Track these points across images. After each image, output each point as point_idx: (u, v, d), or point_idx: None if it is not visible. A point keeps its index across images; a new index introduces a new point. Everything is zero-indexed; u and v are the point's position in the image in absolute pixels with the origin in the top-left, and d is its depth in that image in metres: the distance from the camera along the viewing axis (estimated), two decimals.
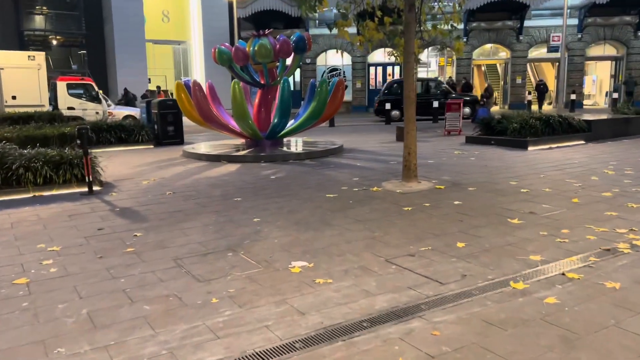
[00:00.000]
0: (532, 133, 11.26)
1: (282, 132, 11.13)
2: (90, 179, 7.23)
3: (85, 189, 7.29)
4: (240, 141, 12.12)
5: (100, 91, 22.34)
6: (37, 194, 7.18)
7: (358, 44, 8.60)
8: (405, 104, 7.36)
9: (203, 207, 6.28)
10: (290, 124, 11.28)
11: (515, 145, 11.16)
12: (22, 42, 24.12)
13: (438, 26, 8.06)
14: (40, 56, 15.47)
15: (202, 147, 11.75)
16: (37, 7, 25.71)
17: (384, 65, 28.16)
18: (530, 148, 10.91)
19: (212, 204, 6.47)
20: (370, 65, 28.11)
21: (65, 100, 16.02)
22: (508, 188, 7.03)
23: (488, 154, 10.46)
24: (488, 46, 27.97)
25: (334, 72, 28.38)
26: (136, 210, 6.23)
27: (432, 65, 29.90)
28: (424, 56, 27.92)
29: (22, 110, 14.02)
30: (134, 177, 8.58)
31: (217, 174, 8.79)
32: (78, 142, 7.11)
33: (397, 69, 27.97)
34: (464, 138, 13.05)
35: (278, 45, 10.67)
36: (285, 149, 11.17)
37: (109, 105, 19.75)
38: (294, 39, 10.91)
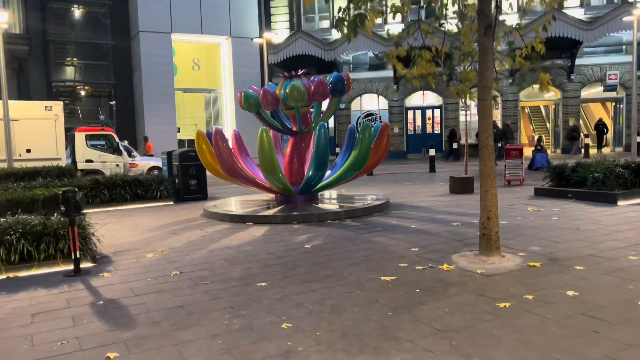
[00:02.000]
0: (621, 184, 9.27)
1: (318, 186, 9.49)
2: (77, 256, 5.67)
3: (72, 267, 5.73)
4: (270, 196, 10.54)
5: (127, 141, 21.52)
6: (11, 274, 5.67)
7: (403, 77, 7.01)
8: (482, 153, 5.62)
9: (214, 300, 4.58)
10: (327, 176, 9.65)
11: (601, 200, 9.17)
12: (50, 93, 23.72)
13: (514, 55, 6.39)
14: (57, 106, 14.54)
15: (226, 205, 10.20)
16: (67, 59, 25.47)
17: (423, 109, 26.61)
18: (620, 203, 8.92)
19: (228, 292, 4.78)
20: (408, 109, 26.61)
21: (83, 153, 14.93)
22: (631, 266, 5.11)
23: (571, 211, 8.51)
24: (536, 86, 26.14)
25: (370, 117, 26.98)
26: (125, 304, 4.58)
27: (472, 108, 28.17)
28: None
29: (37, 164, 12.91)
30: (138, 248, 7.00)
31: (239, 241, 7.14)
32: (62, 208, 5.61)
33: (436, 112, 26.39)
34: (530, 189, 11.14)
35: (313, 87, 9.20)
36: (320, 205, 9.50)
37: (133, 157, 18.72)
38: (331, 80, 9.43)
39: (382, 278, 5.03)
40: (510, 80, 24.55)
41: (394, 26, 25.93)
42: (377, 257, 5.92)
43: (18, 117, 13.84)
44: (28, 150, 14.07)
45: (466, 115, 13.72)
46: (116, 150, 15.37)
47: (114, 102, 25.56)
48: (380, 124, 9.77)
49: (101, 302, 4.67)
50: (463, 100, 10.17)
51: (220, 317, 4.15)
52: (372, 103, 27.17)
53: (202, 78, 28.10)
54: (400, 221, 8.21)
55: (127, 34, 25.96)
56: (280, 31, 27.20)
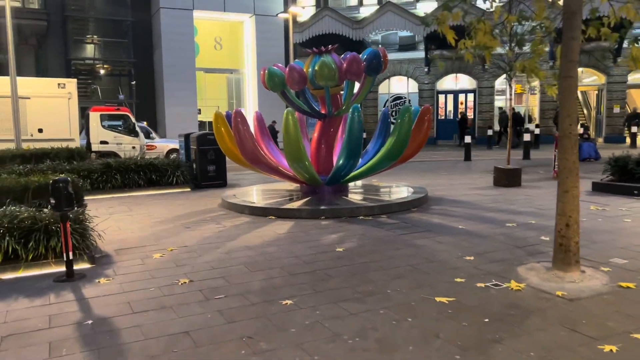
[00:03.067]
0: None
1: (348, 177, 8.48)
2: (70, 258, 4.80)
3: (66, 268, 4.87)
4: (294, 186, 9.58)
5: (146, 122, 20.76)
6: None
7: (463, 53, 5.91)
8: (564, 143, 4.53)
9: (229, 324, 3.65)
10: (359, 165, 8.61)
11: None
12: (69, 71, 23.03)
13: (599, 24, 5.23)
14: (71, 84, 13.74)
15: (246, 195, 9.27)
16: (87, 36, 24.71)
17: (455, 93, 25.22)
18: None
19: (245, 313, 3.84)
20: (439, 92, 25.24)
21: (98, 134, 14.15)
22: None
23: None
24: (579, 70, 24.49)
25: (399, 101, 25.71)
26: (118, 327, 3.67)
27: (507, 93, 26.54)
28: (498, 82, 24.86)
29: (49, 145, 12.17)
30: (146, 245, 6.11)
31: (260, 240, 6.19)
32: (52, 201, 4.72)
33: (470, 96, 24.97)
34: (586, 184, 9.94)
35: (345, 64, 8.14)
36: (350, 198, 8.49)
37: (152, 138, 17.94)
38: (365, 56, 8.34)
39: (438, 299, 4.02)
40: (551, 63, 22.96)
41: (426, 4, 24.51)
42: (425, 267, 4.90)
43: (29, 95, 13.09)
44: (40, 130, 13.34)
45: (510, 99, 12.43)
46: (133, 132, 14.55)
47: (134, 82, 24.81)
48: (419, 107, 8.67)
49: (89, 322, 3.77)
50: (529, 80, 8.96)
51: (235, 351, 3.22)
52: (401, 86, 25.86)
53: (224, 58, 27.13)
54: (444, 219, 7.16)
55: (149, 10, 25.08)
56: (306, 9, 25.99)
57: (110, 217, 7.92)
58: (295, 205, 7.86)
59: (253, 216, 7.73)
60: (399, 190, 9.20)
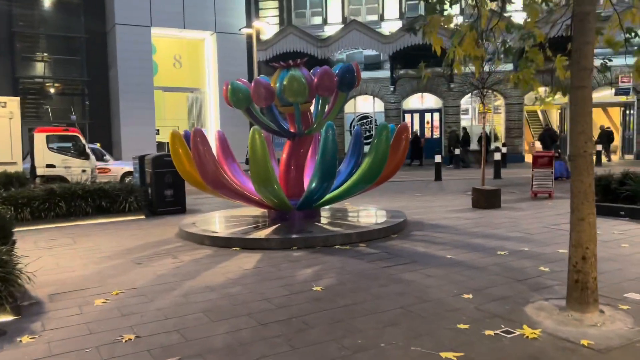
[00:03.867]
0: None
1: (321, 201, 7.74)
2: None
3: None
4: (261, 211, 8.76)
5: (99, 144, 19.53)
6: None
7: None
8: (578, 164, 3.92)
9: None
10: (332, 188, 7.88)
11: None
12: (17, 90, 21.57)
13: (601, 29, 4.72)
14: (13, 102, 12.56)
15: (207, 222, 8.39)
16: (36, 53, 23.32)
17: (421, 112, 25.02)
18: None
19: None
20: (405, 112, 24.98)
21: (43, 157, 12.95)
22: None
23: (637, 235, 6.89)
24: (541, 90, 24.70)
25: (365, 120, 25.30)
26: None
27: (469, 112, 26.50)
28: (464, 101, 24.82)
29: None
30: (86, 287, 5.16)
31: (223, 279, 5.34)
32: None
33: (435, 115, 24.81)
34: (567, 204, 9.53)
35: (316, 79, 7.47)
36: (324, 224, 7.75)
37: (106, 160, 16.76)
38: (338, 70, 7.69)
39: (443, 355, 3.29)
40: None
41: (391, 23, 24.36)
42: (419, 309, 4.18)
43: None
44: None
45: (484, 117, 12.05)
46: (83, 154, 13.41)
47: (88, 101, 23.54)
48: (394, 126, 8.05)
49: None
50: (524, 90, 8.48)
51: None
52: (367, 105, 25.48)
53: (184, 76, 26.17)
54: (429, 247, 6.48)
55: (103, 26, 23.92)
56: (269, 27, 25.44)
57: (50, 252, 6.90)
58: (263, 234, 7.05)
59: (215, 247, 6.86)
60: (375, 215, 8.52)
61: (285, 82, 7.36)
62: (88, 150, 13.49)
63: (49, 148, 13.13)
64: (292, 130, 8.19)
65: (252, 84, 7.56)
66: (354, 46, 23.57)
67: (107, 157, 17.19)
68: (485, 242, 6.67)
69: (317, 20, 25.95)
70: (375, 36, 22.88)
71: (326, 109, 8.11)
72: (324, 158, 6.85)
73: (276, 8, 25.76)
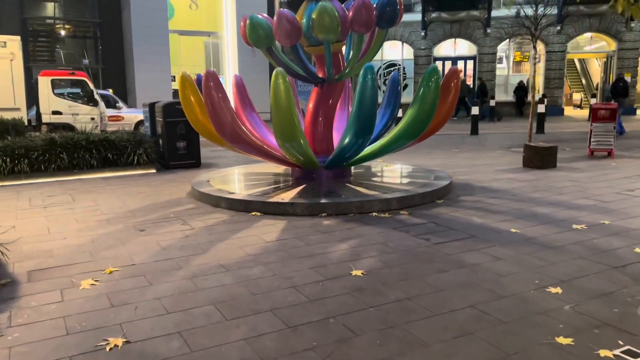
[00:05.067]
0: None
1: (354, 159, 6.65)
2: None
3: None
4: (283, 168, 7.74)
5: (111, 90, 18.54)
6: None
7: None
8: None
9: None
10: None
11: None
12: (25, 32, 20.40)
13: None
14: (13, 42, 11.49)
15: (224, 180, 7.41)
16: None
17: (454, 60, 23.29)
18: None
19: None
20: (436, 59, 23.27)
21: (49, 102, 11.98)
22: None
23: None
24: (587, 36, 22.74)
25: (392, 68, 23.70)
26: None
27: (503, 61, 24.63)
28: (501, 48, 23.00)
29: None
30: (75, 262, 4.25)
31: (240, 254, 4.37)
32: None
33: (469, 63, 23.10)
34: (635, 165, 8.32)
35: (351, 12, 6.22)
36: (356, 185, 6.70)
37: (119, 108, 15.81)
38: (377, 3, 6.41)
39: None
40: (559, 28, 21.16)
41: None
42: (496, 310, 3.16)
43: None
44: None
45: (535, 64, 10.66)
46: (91, 100, 12.40)
47: (100, 45, 22.36)
48: (435, 67, 6.74)
49: None
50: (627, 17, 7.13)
51: None
52: (395, 52, 23.78)
53: (200, 19, 24.65)
54: (486, 218, 5.41)
55: None
56: None
57: (43, 213, 6.02)
58: (287, 196, 6.03)
59: (231, 211, 5.89)
60: (414, 175, 7.42)
61: (314, 16, 6.14)
62: (97, 97, 12.48)
63: (55, 93, 12.15)
64: (320, 75, 7.03)
65: (275, 18, 6.34)
66: None
67: (120, 104, 16.23)
68: (554, 212, 5.57)
69: None
70: None
71: (361, 49, 6.90)
72: (361, 108, 5.70)
73: None
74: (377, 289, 3.53)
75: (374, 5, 6.35)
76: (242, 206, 5.90)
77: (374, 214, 5.60)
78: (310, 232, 4.96)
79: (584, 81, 29.78)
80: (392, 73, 8.28)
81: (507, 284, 3.58)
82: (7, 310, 3.33)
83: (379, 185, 6.72)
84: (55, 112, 12.04)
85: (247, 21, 6.54)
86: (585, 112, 24.55)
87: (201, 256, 4.34)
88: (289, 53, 7.72)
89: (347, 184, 6.76)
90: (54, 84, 12.14)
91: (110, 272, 3.97)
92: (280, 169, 7.83)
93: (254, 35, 6.49)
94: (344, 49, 7.11)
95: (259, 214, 5.72)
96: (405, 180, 7.06)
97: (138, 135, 9.27)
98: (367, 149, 6.66)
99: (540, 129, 14.37)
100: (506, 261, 4.04)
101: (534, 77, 11.33)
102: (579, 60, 29.51)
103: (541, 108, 14.45)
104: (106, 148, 8.64)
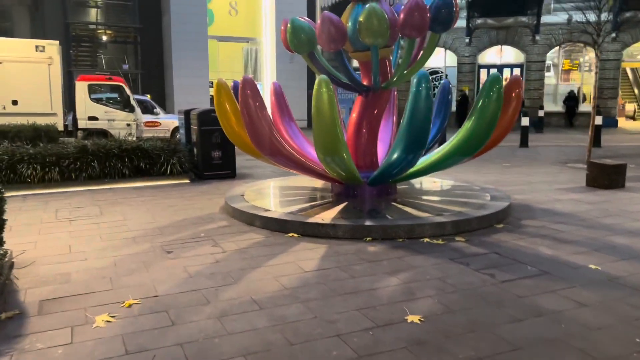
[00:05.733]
0: None
1: (402, 175, 6.04)
2: None
3: None
4: (322, 182, 7.21)
5: (149, 95, 18.49)
6: None
7: None
8: None
9: None
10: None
11: None
12: (68, 36, 20.72)
13: None
14: (52, 46, 11.40)
15: (259, 195, 6.93)
16: None
17: (499, 67, 22.34)
18: None
19: None
20: (481, 67, 22.39)
21: (85, 108, 11.84)
22: None
23: None
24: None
25: (434, 76, 22.94)
26: None
27: (551, 70, 23.43)
28: (549, 56, 21.93)
29: (28, 119, 9.97)
30: (93, 291, 3.80)
31: (275, 287, 3.83)
32: None
33: (516, 72, 22.09)
34: None
35: (403, 14, 5.63)
36: (403, 204, 6.08)
37: (156, 114, 15.66)
38: (431, 4, 5.81)
39: None
40: (614, 35, 19.97)
41: None
42: None
43: (1, 59, 10.82)
44: (14, 102, 11.11)
45: (596, 72, 9.82)
46: (127, 106, 12.20)
47: (140, 50, 22.45)
48: (497, 75, 6.06)
49: None
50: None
51: None
52: (437, 59, 22.99)
53: (240, 25, 24.55)
54: (556, 249, 4.70)
55: None
56: None
57: (68, 227, 5.65)
58: (328, 216, 5.47)
59: (267, 231, 5.38)
60: (468, 193, 6.74)
61: (361, 19, 5.59)
62: (133, 102, 12.28)
63: (92, 98, 12.00)
64: (365, 83, 6.47)
65: (319, 21, 5.80)
66: None
67: (158, 109, 16.09)
68: (636, 244, 4.82)
69: None
70: None
71: (412, 55, 6.30)
72: (413, 120, 5.10)
73: None
74: (439, 344, 2.92)
75: (428, 7, 5.75)
76: (278, 226, 5.38)
77: (426, 239, 4.98)
78: (355, 261, 4.39)
79: (636, 91, 28.25)
80: (443, 81, 7.64)
81: (601, 343, 2.91)
82: (9, 352, 2.88)
83: (429, 206, 6.08)
84: (91, 118, 11.88)
85: (289, 25, 6.05)
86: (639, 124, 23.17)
87: (232, 287, 3.82)
88: (330, 59, 7.22)
89: (393, 203, 6.15)
90: (91, 89, 12.00)
91: (130, 306, 3.50)
92: (319, 182, 7.30)
93: (296, 40, 5.98)
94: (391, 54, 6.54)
95: (296, 235, 5.19)
96: (457, 200, 6.39)
97: (172, 143, 8.91)
98: (417, 165, 6.03)
99: (597, 143, 13.36)
100: (593, 309, 3.36)
101: (596, 86, 10.43)
102: (632, 69, 28.04)
103: (597, 120, 13.46)
104: (139, 157, 8.32)
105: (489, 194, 6.51)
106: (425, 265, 4.26)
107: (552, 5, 20.84)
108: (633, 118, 26.15)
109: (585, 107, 21.72)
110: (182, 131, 9.94)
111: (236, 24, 24.50)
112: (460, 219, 5.27)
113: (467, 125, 5.49)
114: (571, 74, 23.36)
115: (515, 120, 6.16)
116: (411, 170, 5.94)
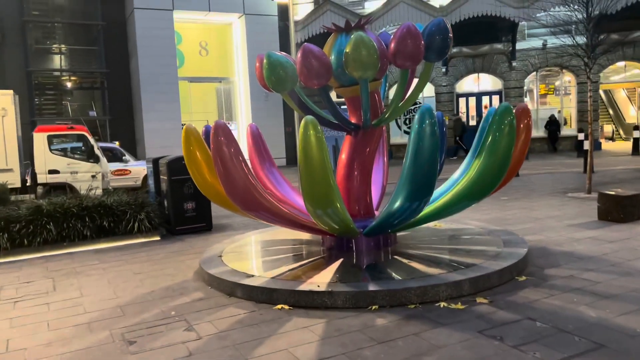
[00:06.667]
0: None
1: (406, 224, 5.25)
2: None
3: None
4: (309, 235, 6.36)
5: (117, 142, 17.58)
6: None
7: None
8: None
9: None
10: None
11: None
12: (30, 84, 19.75)
13: None
14: (5, 97, 10.47)
15: (240, 254, 6.05)
16: (49, 43, 21.37)
17: (478, 95, 22.08)
18: None
19: None
20: (459, 95, 22.10)
21: (45, 161, 10.85)
22: None
23: None
24: (620, 65, 21.54)
25: (413, 106, 22.54)
26: None
27: (527, 95, 23.21)
28: (528, 81, 21.82)
29: None
30: None
31: None
32: None
33: (495, 98, 21.86)
34: None
35: (395, 43, 4.97)
36: (405, 258, 5.27)
37: (125, 162, 14.72)
38: (426, 28, 5.17)
39: None
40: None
41: None
42: None
43: None
44: None
45: (590, 96, 9.37)
46: (91, 156, 11.27)
47: (108, 95, 21.58)
48: (507, 106, 5.38)
49: None
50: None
51: None
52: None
53: (211, 65, 23.91)
54: (599, 308, 3.92)
55: (122, 12, 21.80)
56: (302, 6, 22.94)
57: (11, 311, 4.68)
58: (322, 279, 4.62)
59: (250, 303, 4.50)
60: (476, 239, 5.97)
61: (347, 50, 4.89)
62: (98, 152, 11.35)
63: (51, 150, 11.04)
64: (353, 121, 5.74)
65: (299, 54, 5.08)
66: (401, 21, 20.81)
67: (127, 157, 15.16)
68: None
69: None
70: (426, 9, 20.12)
71: (405, 87, 5.63)
72: (418, 163, 4.35)
73: None
74: None
75: (423, 34, 5.10)
76: (264, 296, 4.51)
77: (442, 304, 4.16)
78: (362, 342, 3.54)
79: (611, 112, 28.41)
80: (437, 113, 6.97)
81: None
82: None
83: (436, 257, 5.29)
84: (52, 171, 10.89)
85: (264, 60, 5.29)
86: (620, 145, 23.01)
87: None
88: (310, 95, 6.52)
89: (395, 256, 5.35)
90: (51, 140, 11.06)
91: None
92: (308, 235, 6.45)
93: (273, 77, 5.22)
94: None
95: (287, 307, 4.31)
96: (467, 248, 5.61)
97: (139, 198, 7.99)
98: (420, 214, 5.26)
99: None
100: None
101: (590, 110, 9.98)
102: (604, 91, 28.27)
103: (586, 145, 12.98)
104: (102, 215, 7.38)
105: (500, 238, 5.75)
106: (451, 344, 3.43)
107: (525, 32, 20.82)
108: (612, 139, 26.14)
109: (567, 130, 21.53)
110: (150, 182, 9.05)
111: (207, 64, 23.86)
112: (479, 275, 4.47)
113: (476, 164, 4.77)
114: (548, 98, 23.27)
115: (525, 154, 5.48)
116: (419, 216, 5.16)
